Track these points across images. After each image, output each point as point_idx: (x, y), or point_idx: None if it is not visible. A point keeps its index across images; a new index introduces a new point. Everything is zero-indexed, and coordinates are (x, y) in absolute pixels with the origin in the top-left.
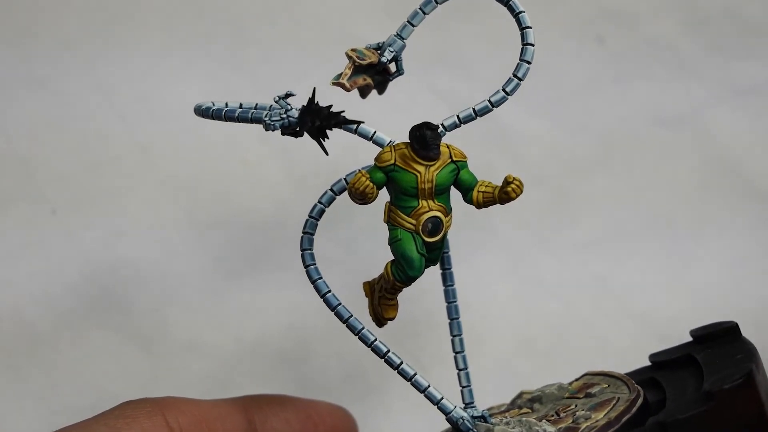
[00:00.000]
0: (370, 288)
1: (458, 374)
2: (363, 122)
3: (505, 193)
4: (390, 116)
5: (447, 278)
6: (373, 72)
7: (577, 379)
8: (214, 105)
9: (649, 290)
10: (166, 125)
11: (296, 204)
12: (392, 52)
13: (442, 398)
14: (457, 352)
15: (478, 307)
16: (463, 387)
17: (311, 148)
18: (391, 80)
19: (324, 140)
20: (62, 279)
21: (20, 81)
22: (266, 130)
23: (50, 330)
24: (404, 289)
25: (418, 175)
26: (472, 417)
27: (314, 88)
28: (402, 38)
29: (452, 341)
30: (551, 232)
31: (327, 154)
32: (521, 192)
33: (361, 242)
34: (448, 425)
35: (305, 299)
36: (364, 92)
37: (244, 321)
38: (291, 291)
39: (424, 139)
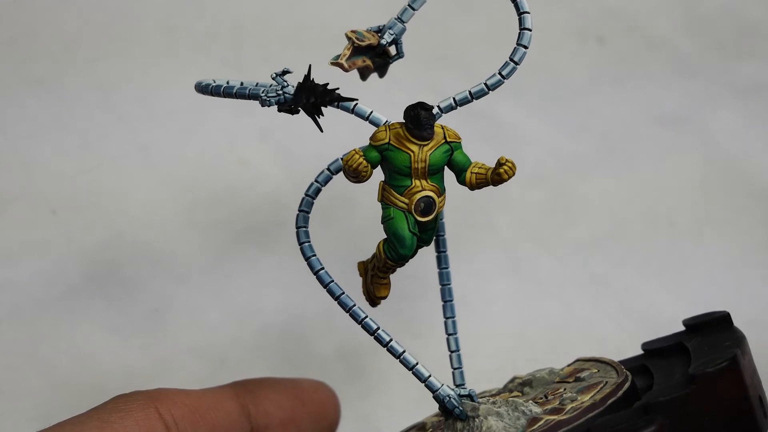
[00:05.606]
0: (364, 268)
1: (450, 356)
2: (358, 99)
3: (498, 174)
4: (388, 115)
5: (441, 261)
6: (373, 54)
7: (569, 365)
8: (214, 82)
9: (649, 290)
10: (166, 125)
11: (295, 203)
12: (392, 34)
13: (430, 376)
14: (449, 334)
15: (478, 306)
16: (455, 369)
17: (311, 148)
18: (391, 63)
19: (319, 117)
20: (62, 279)
21: (20, 81)
22: (262, 105)
23: (50, 330)
24: (398, 271)
25: (412, 154)
26: (459, 396)
27: (309, 65)
28: (402, 21)
29: (445, 323)
30: (551, 232)
31: (322, 131)
32: (513, 173)
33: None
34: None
35: (305, 298)
36: (363, 74)
37: (243, 320)
38: (290, 290)
39: (418, 118)
